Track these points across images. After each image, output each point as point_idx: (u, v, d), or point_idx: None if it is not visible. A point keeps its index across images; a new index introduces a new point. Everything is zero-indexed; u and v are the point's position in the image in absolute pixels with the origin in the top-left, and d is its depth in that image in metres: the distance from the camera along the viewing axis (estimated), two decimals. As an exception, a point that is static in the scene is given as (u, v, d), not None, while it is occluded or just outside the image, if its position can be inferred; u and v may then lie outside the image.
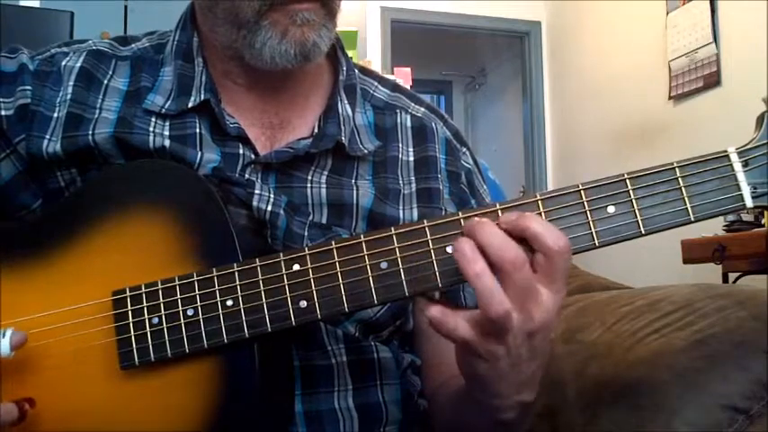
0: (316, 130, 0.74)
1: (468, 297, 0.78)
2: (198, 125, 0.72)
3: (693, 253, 2.60)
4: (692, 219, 0.54)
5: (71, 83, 0.73)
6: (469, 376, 0.59)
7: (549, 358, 0.58)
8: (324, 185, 0.73)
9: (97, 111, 0.72)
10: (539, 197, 0.55)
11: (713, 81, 3.42)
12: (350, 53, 0.93)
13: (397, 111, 0.81)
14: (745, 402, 0.67)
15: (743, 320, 0.72)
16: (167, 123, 0.71)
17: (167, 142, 0.69)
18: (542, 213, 0.55)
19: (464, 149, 0.83)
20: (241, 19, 0.67)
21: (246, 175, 0.70)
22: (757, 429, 0.66)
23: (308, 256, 0.58)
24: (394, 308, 0.74)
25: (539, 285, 0.52)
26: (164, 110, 0.71)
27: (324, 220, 0.72)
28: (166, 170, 0.65)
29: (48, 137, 0.70)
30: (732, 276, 2.58)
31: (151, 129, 0.71)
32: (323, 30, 0.68)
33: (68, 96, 0.72)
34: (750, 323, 0.71)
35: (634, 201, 0.54)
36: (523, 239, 0.52)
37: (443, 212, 0.77)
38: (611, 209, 0.54)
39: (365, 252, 0.57)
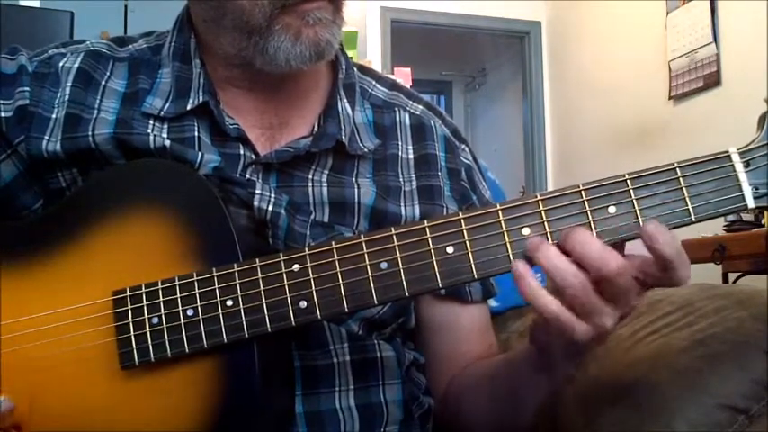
0: (315, 129, 0.74)
1: (473, 293, 0.78)
2: (196, 128, 0.71)
3: (693, 253, 2.59)
4: (693, 219, 0.54)
5: (69, 84, 0.72)
6: (547, 345, 0.61)
7: None
8: (325, 184, 0.73)
9: (95, 111, 0.72)
10: (539, 197, 0.55)
11: (713, 81, 3.43)
12: (350, 53, 0.93)
13: (396, 109, 0.81)
14: (745, 402, 0.67)
15: (743, 320, 0.72)
16: (165, 126, 0.71)
17: (167, 143, 0.69)
18: (542, 213, 0.55)
19: (463, 146, 0.83)
20: (252, 26, 0.67)
21: (247, 176, 0.70)
22: (757, 429, 0.66)
23: (307, 256, 0.58)
24: (396, 305, 0.74)
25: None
26: (162, 112, 0.71)
27: (326, 219, 0.72)
28: (167, 170, 0.65)
29: (47, 137, 0.70)
30: (732, 276, 2.59)
31: (149, 131, 0.70)
32: (333, 27, 0.68)
33: (66, 97, 0.72)
34: (750, 323, 0.71)
35: (635, 201, 0.54)
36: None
37: (444, 210, 0.77)
38: (611, 209, 0.54)
39: (365, 252, 0.57)
